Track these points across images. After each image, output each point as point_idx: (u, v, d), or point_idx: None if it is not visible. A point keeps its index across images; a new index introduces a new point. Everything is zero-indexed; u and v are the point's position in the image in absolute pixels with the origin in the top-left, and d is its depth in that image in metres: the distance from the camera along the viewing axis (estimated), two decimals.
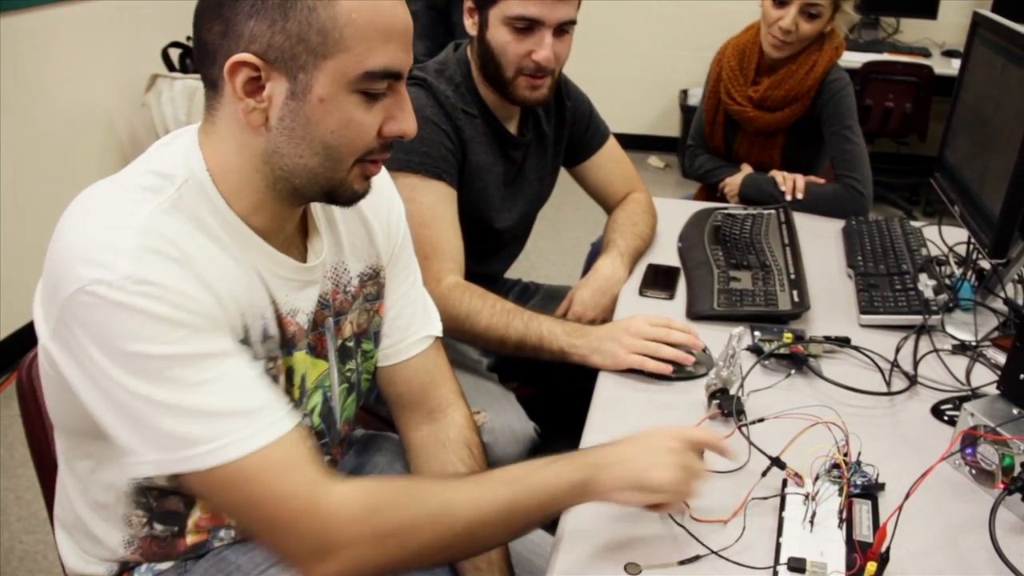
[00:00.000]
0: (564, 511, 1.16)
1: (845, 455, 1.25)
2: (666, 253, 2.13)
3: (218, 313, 1.04)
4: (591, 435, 1.43)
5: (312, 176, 1.08)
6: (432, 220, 1.79)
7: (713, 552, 1.16)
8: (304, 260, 1.21)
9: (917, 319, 1.72)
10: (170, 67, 4.13)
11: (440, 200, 1.82)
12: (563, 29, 1.81)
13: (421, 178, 1.80)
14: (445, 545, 1.06)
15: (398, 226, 1.39)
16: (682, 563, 1.14)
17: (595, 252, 2.37)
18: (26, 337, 3.40)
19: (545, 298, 2.28)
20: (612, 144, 2.21)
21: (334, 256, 1.28)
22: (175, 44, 4.15)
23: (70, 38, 3.65)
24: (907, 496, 1.09)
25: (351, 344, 1.33)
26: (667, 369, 1.56)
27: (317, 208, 1.25)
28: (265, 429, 1.01)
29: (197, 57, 1.07)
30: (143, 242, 0.98)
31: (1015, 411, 1.27)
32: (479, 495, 1.08)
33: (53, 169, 3.58)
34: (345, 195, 1.13)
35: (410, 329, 1.41)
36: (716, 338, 1.58)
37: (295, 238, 1.22)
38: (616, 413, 1.50)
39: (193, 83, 3.90)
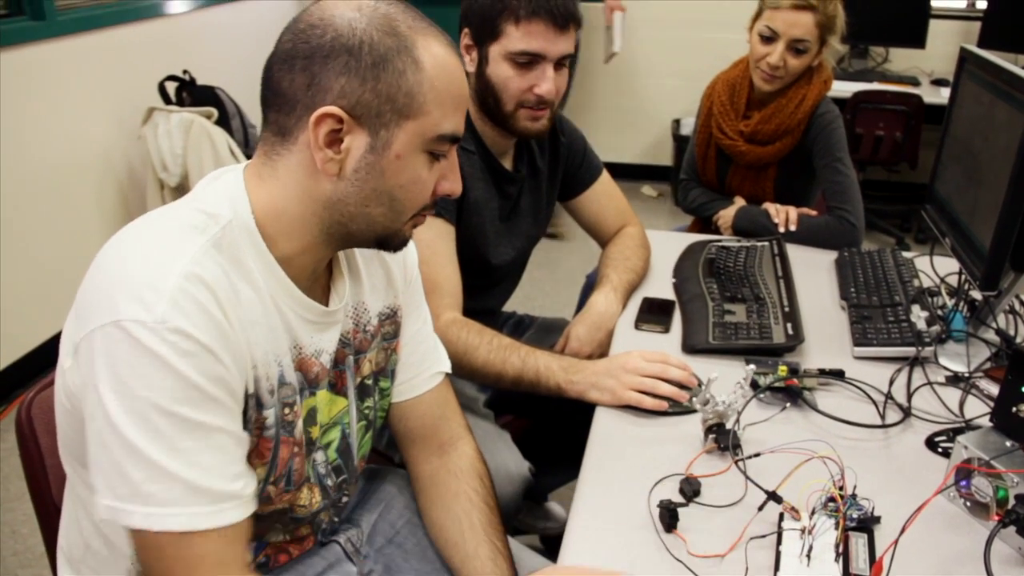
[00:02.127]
0: None
1: (841, 489, 1.26)
2: (661, 285, 2.15)
3: (234, 376, 1.06)
4: (589, 472, 1.44)
5: (371, 224, 1.14)
6: (431, 257, 1.80)
7: None
8: (327, 302, 1.25)
9: (910, 351, 1.74)
10: (166, 100, 4.14)
11: (438, 237, 1.83)
12: (562, 63, 1.83)
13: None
14: None
15: (412, 265, 1.43)
16: None
17: (590, 285, 2.38)
18: (23, 370, 3.41)
19: (540, 331, 2.29)
20: (605, 179, 2.23)
21: (355, 296, 1.31)
22: (171, 77, 4.17)
23: (66, 71, 3.67)
24: (903, 530, 1.10)
25: (369, 382, 1.36)
26: (663, 406, 1.58)
27: (340, 253, 1.29)
28: (218, 514, 1.04)
29: (271, 103, 1.11)
30: (185, 286, 1.01)
31: (1008, 443, 1.28)
32: None
33: (50, 202, 3.58)
34: (396, 242, 1.20)
35: (423, 365, 1.45)
36: (711, 371, 1.58)
37: (320, 281, 1.25)
38: (613, 449, 1.50)
39: (189, 116, 3.92)
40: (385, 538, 1.48)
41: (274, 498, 1.22)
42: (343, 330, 1.28)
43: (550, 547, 1.29)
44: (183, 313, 0.99)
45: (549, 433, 2.31)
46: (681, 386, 1.61)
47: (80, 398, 1.04)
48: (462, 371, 1.78)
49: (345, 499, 1.41)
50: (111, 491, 1.01)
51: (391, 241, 1.19)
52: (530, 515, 2.59)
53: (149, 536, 1.02)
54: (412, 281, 1.42)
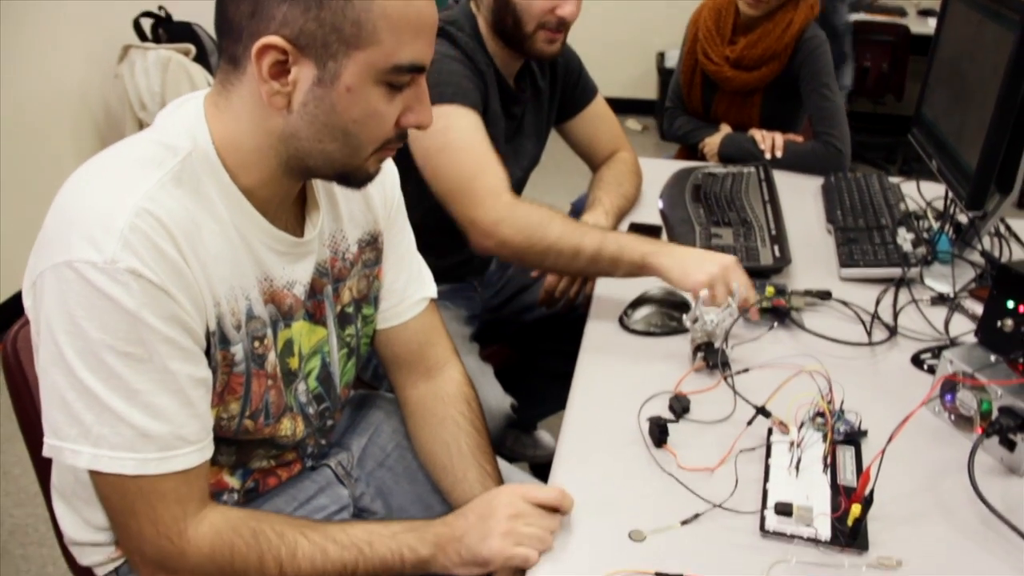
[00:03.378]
0: None
1: (829, 403, 1.28)
2: (647, 211, 2.15)
3: (191, 316, 1.05)
4: (579, 392, 1.46)
5: (328, 160, 1.09)
6: (473, 143, 1.74)
7: (715, 505, 1.19)
8: (301, 232, 1.22)
9: (896, 272, 1.76)
10: (142, 37, 4.08)
11: (475, 126, 1.77)
12: None
13: (454, 107, 1.75)
14: None
15: (393, 190, 1.40)
16: (684, 523, 1.17)
17: (576, 212, 2.39)
18: (8, 310, 3.40)
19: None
20: (600, 102, 2.21)
21: (332, 225, 1.29)
22: (147, 14, 4.10)
23: (40, 11, 3.60)
24: (889, 440, 1.12)
25: (351, 310, 1.34)
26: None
27: (317, 180, 1.25)
28: (170, 460, 1.05)
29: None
30: (137, 224, 0.98)
31: (992, 358, 1.30)
32: (323, 555, 1.13)
33: (26, 144, 3.54)
34: (358, 179, 1.15)
35: (408, 291, 1.43)
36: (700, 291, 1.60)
37: (293, 210, 1.22)
38: (602, 369, 1.52)
39: (166, 53, 3.87)
40: (375, 462, 1.49)
41: (253, 431, 1.22)
42: (319, 260, 1.26)
43: (540, 475, 1.31)
44: (134, 253, 0.98)
45: (537, 362, 2.33)
46: (675, 307, 1.63)
47: (35, 336, 1.04)
48: (533, 249, 1.69)
49: (330, 423, 1.41)
50: (58, 431, 1.02)
51: (353, 177, 1.14)
52: (519, 443, 2.62)
53: (104, 475, 1.04)
54: (394, 205, 1.40)
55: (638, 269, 1.64)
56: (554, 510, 1.16)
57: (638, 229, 2.02)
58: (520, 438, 2.63)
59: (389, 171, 1.39)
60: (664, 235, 2.01)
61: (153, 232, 1.00)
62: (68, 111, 3.83)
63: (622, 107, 6.13)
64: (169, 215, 1.02)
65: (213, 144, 1.08)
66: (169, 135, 1.08)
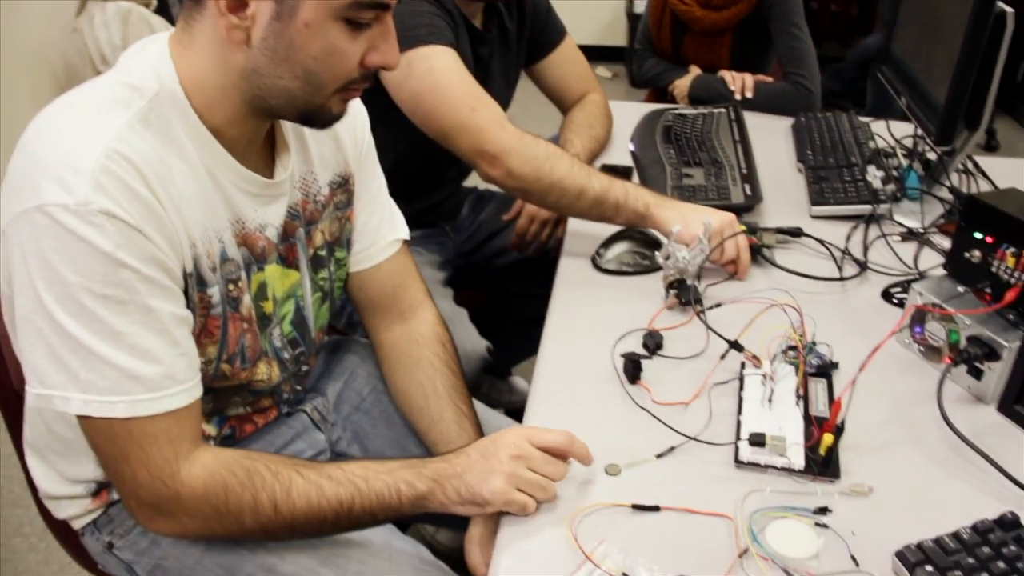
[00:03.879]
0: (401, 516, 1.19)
1: (800, 336, 1.30)
2: (618, 153, 2.15)
3: (168, 255, 1.04)
4: (552, 331, 1.47)
5: (290, 98, 1.08)
6: (461, 78, 1.72)
7: (690, 438, 1.21)
8: (271, 174, 1.21)
9: (866, 208, 1.77)
10: None
11: (458, 62, 1.74)
12: None
13: (432, 47, 1.73)
14: (277, 528, 1.12)
15: (363, 132, 1.39)
16: (659, 456, 1.18)
17: None
18: None
19: (500, 205, 2.28)
20: (569, 43, 2.20)
21: (302, 167, 1.28)
22: None
23: None
24: (860, 370, 1.14)
25: (323, 253, 1.34)
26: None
27: (286, 122, 1.24)
28: (160, 400, 1.05)
29: None
30: (108, 165, 0.98)
31: (960, 289, 1.32)
32: (318, 491, 1.12)
33: None
34: (322, 119, 1.13)
35: (379, 233, 1.42)
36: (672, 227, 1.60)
37: (263, 152, 1.21)
38: (576, 308, 1.53)
39: (126, 5, 3.80)
40: (351, 406, 1.50)
41: (229, 375, 1.22)
42: (291, 202, 1.25)
43: (516, 420, 1.33)
44: (107, 194, 0.97)
45: (511, 307, 2.34)
46: (648, 245, 1.64)
47: (10, 285, 1.03)
48: (540, 183, 1.67)
49: (305, 368, 1.41)
50: (51, 377, 1.01)
51: (316, 116, 1.12)
52: (494, 389, 2.63)
53: (95, 420, 1.03)
54: (364, 147, 1.39)
55: (640, 219, 1.64)
56: (564, 458, 1.16)
57: (609, 170, 2.01)
58: (495, 384, 2.64)
59: (358, 112, 1.38)
60: (635, 176, 2.01)
61: (125, 173, 0.99)
62: (26, 68, 3.75)
63: (592, 54, 6.05)
64: (139, 156, 1.01)
65: (180, 83, 1.07)
66: (134, 76, 1.06)
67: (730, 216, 1.60)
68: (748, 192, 1.83)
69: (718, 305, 1.44)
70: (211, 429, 1.29)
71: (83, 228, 0.96)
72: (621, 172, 2.02)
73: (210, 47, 1.06)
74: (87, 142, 0.99)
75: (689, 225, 1.55)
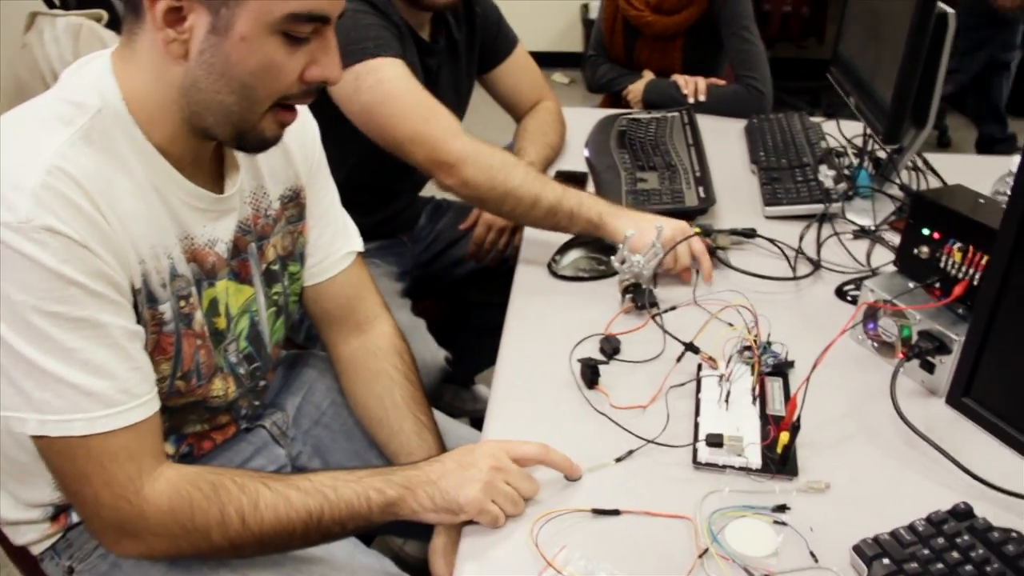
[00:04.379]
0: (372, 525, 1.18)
1: (755, 336, 1.31)
2: (573, 159, 2.16)
3: (115, 270, 1.03)
4: (510, 340, 1.48)
5: (226, 114, 1.07)
6: (412, 89, 1.72)
7: (648, 441, 1.21)
8: (221, 189, 1.20)
9: (819, 208, 1.79)
10: (50, 4, 3.97)
11: (407, 73, 1.74)
12: None
13: (381, 59, 1.72)
14: (246, 543, 1.11)
15: (314, 145, 1.38)
16: (619, 460, 1.19)
17: None
18: None
19: (457, 215, 2.27)
20: (521, 51, 2.20)
21: (252, 181, 1.27)
22: None
23: None
24: (813, 368, 1.15)
25: (276, 267, 1.33)
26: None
27: None
28: (118, 416, 1.03)
29: None
30: (49, 181, 0.97)
31: (911, 285, 1.34)
32: (286, 502, 1.11)
33: None
34: (254, 140, 1.12)
35: (333, 246, 1.42)
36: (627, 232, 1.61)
37: (212, 167, 1.20)
38: (533, 315, 1.54)
39: (77, 20, 3.73)
40: (311, 420, 1.49)
41: (185, 392, 1.21)
42: (241, 217, 1.24)
43: (480, 428, 1.33)
44: (49, 210, 0.96)
45: (470, 316, 2.34)
46: (603, 250, 1.64)
47: None
48: (494, 192, 1.68)
49: (263, 383, 1.40)
50: (3, 398, 1.00)
51: (247, 137, 1.10)
52: (457, 399, 2.63)
53: (52, 441, 1.02)
54: (315, 160, 1.38)
55: (594, 227, 1.64)
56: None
57: (564, 177, 2.03)
58: (459, 393, 2.64)
59: (309, 126, 1.38)
60: (590, 183, 2.02)
61: (67, 189, 0.98)
62: None
63: (548, 61, 6.09)
64: (82, 172, 1.00)
65: (123, 99, 1.06)
66: (76, 92, 1.06)
67: (682, 224, 1.61)
68: (702, 195, 1.84)
69: (673, 308, 1.46)
70: (168, 448, 1.28)
71: (26, 245, 0.95)
72: (576, 179, 2.03)
73: (150, 62, 1.05)
74: (28, 160, 0.98)
75: (642, 233, 1.56)
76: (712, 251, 1.64)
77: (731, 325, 1.39)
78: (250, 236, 1.27)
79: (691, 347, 1.34)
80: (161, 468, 1.08)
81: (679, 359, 1.34)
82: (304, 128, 1.36)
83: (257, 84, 1.05)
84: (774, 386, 1.30)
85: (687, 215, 1.78)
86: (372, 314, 1.46)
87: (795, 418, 1.15)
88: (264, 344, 1.35)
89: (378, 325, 1.46)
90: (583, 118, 2.35)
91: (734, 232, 1.72)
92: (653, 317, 1.44)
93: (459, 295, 2.31)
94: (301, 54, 1.06)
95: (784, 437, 1.14)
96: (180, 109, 1.07)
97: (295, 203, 1.35)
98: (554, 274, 1.65)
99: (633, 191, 1.89)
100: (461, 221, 2.16)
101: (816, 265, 1.63)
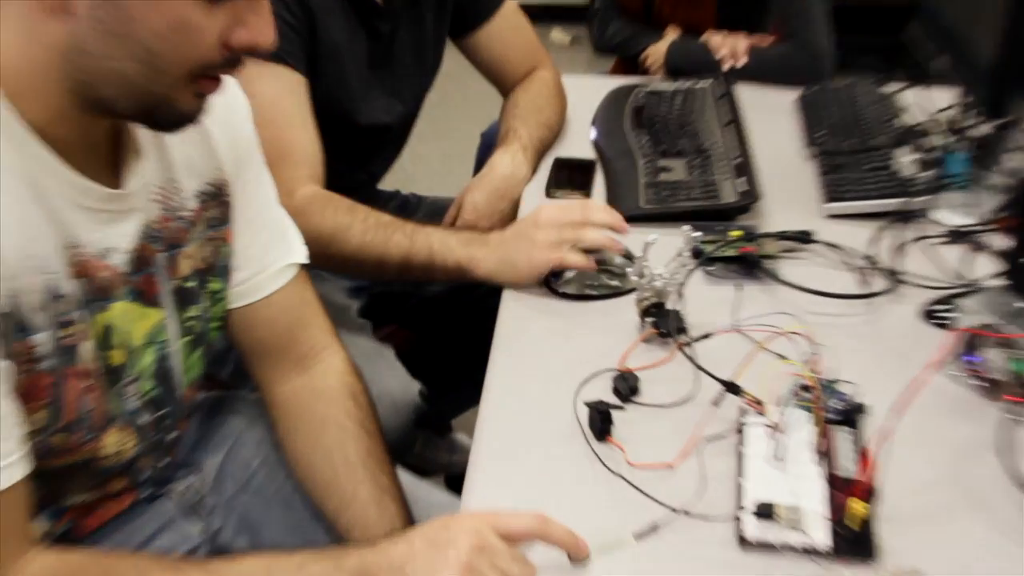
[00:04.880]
0: None
1: (816, 372, 1.29)
2: (577, 143, 2.16)
3: None
4: (497, 379, 1.46)
5: (127, 87, 1.04)
6: (276, 117, 1.74)
7: (677, 511, 1.19)
8: (118, 184, 1.18)
9: (897, 203, 1.77)
10: None
11: (285, 91, 1.79)
12: None
13: (255, 64, 1.75)
14: None
15: (243, 128, 1.38)
16: (639, 537, 1.17)
17: (488, 144, 2.40)
18: None
19: (429, 214, 2.29)
20: (511, 8, 2.20)
21: (161, 174, 1.25)
22: None
23: None
24: (897, 413, 1.12)
25: (193, 284, 1.32)
26: (592, 264, 1.60)
27: None
28: None
29: None
30: None
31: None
32: None
33: None
34: (168, 116, 1.11)
35: (268, 257, 1.41)
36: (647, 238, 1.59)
37: (107, 156, 1.18)
38: (526, 347, 1.52)
39: None
40: (237, 484, 1.48)
41: (66, 450, 1.18)
42: (146, 219, 1.22)
43: (458, 489, 1.31)
44: None
45: (444, 345, 2.33)
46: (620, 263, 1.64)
47: None
48: (331, 260, 1.75)
49: (172, 436, 1.38)
50: None
51: (159, 113, 1.10)
52: (430, 448, 2.65)
53: None
54: (245, 147, 1.38)
55: (460, 276, 1.69)
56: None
57: (566, 166, 2.02)
58: (432, 441, 2.66)
59: (237, 103, 1.37)
60: (600, 172, 2.01)
61: None
62: None
63: (545, 15, 6.17)
64: None
65: None
66: None
67: (558, 208, 1.64)
68: (743, 188, 1.82)
69: (708, 336, 1.44)
70: (42, 525, 1.25)
71: None
72: (580, 168, 2.03)
73: (18, 18, 1.02)
74: None
75: (514, 262, 1.62)
76: (755, 262, 1.61)
77: (783, 358, 1.37)
78: (158, 244, 1.25)
79: (732, 387, 1.31)
80: (30, 555, 1.05)
81: (716, 403, 1.31)
82: (231, 106, 1.34)
83: (165, 49, 1.02)
84: (842, 438, 1.27)
85: (724, 215, 1.76)
86: (319, 344, 1.46)
87: (873, 482, 1.12)
88: (175, 384, 1.33)
89: (326, 359, 1.45)
90: (588, 89, 2.35)
91: (785, 236, 1.70)
92: (681, 347, 1.42)
93: (431, 318, 2.31)
94: (222, 14, 1.04)
95: (858, 507, 1.11)
96: (63, 78, 1.04)
97: (217, 202, 1.34)
98: (554, 291, 1.63)
99: (653, 184, 1.88)
100: (435, 220, 2.13)
101: (895, 279, 1.60)
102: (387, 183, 2.29)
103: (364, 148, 2.10)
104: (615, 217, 1.63)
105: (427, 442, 2.64)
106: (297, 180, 1.75)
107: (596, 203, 1.65)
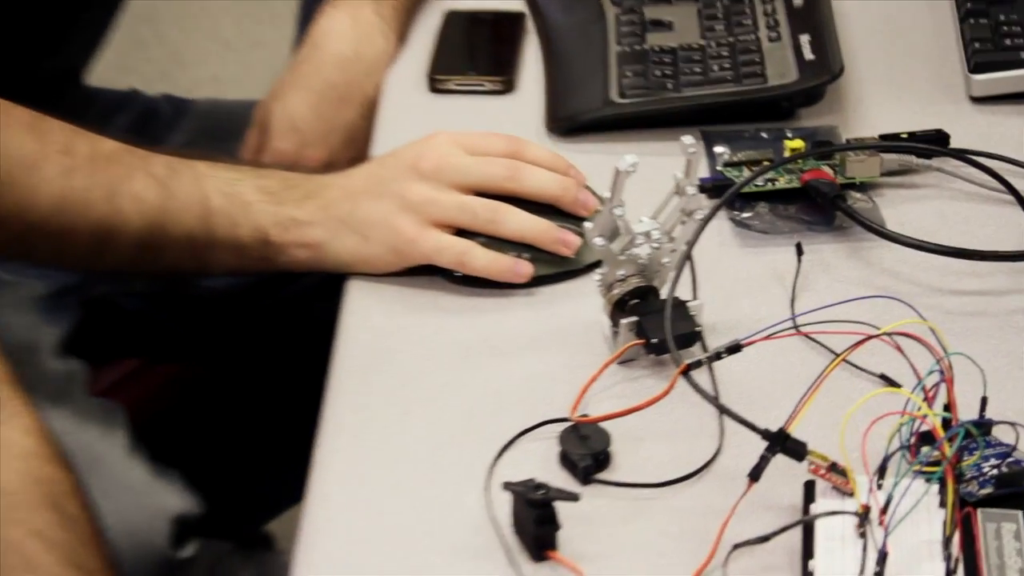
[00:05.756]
0: None
1: (946, 408, 1.29)
2: None
3: None
4: (329, 470, 1.44)
5: None
6: None
7: None
8: None
9: None
10: None
11: None
12: None
13: None
14: None
15: None
16: None
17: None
18: None
19: (201, 135, 2.32)
20: None
21: None
22: None
23: None
24: None
25: None
26: (526, 273, 1.60)
27: None
28: None
29: None
30: None
31: None
32: None
33: None
34: None
35: None
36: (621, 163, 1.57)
37: None
38: (387, 394, 1.52)
39: None
40: None
41: None
42: None
43: None
44: None
45: (233, 396, 2.34)
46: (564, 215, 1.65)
47: None
48: (9, 231, 1.73)
49: None
50: None
51: None
52: (228, 570, 2.64)
53: None
54: None
55: (263, 259, 1.71)
56: None
57: (467, 27, 2.03)
58: (224, 563, 2.65)
59: None
60: (533, 36, 2.04)
61: None
62: None
63: None
64: None
65: None
66: None
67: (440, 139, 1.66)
68: (809, 57, 1.83)
69: (737, 347, 1.42)
70: None
71: None
72: (496, 28, 2.07)
73: None
74: None
75: (366, 232, 1.62)
76: (833, 198, 1.62)
77: (889, 382, 1.38)
78: None
79: (785, 442, 1.30)
80: None
81: (755, 475, 1.30)
82: None
83: None
84: (996, 530, 1.27)
85: (769, 110, 1.76)
86: None
87: None
88: None
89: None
90: None
91: (891, 146, 1.70)
92: (688, 371, 1.40)
93: (207, 343, 2.35)
94: None
95: None
96: None
97: None
98: (447, 276, 1.63)
99: (634, 53, 1.90)
100: (214, 145, 2.16)
101: None
102: (113, 76, 2.28)
103: (50, 18, 2.12)
104: (557, 160, 1.65)
105: (218, 565, 2.63)
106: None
107: (533, 148, 1.64)
